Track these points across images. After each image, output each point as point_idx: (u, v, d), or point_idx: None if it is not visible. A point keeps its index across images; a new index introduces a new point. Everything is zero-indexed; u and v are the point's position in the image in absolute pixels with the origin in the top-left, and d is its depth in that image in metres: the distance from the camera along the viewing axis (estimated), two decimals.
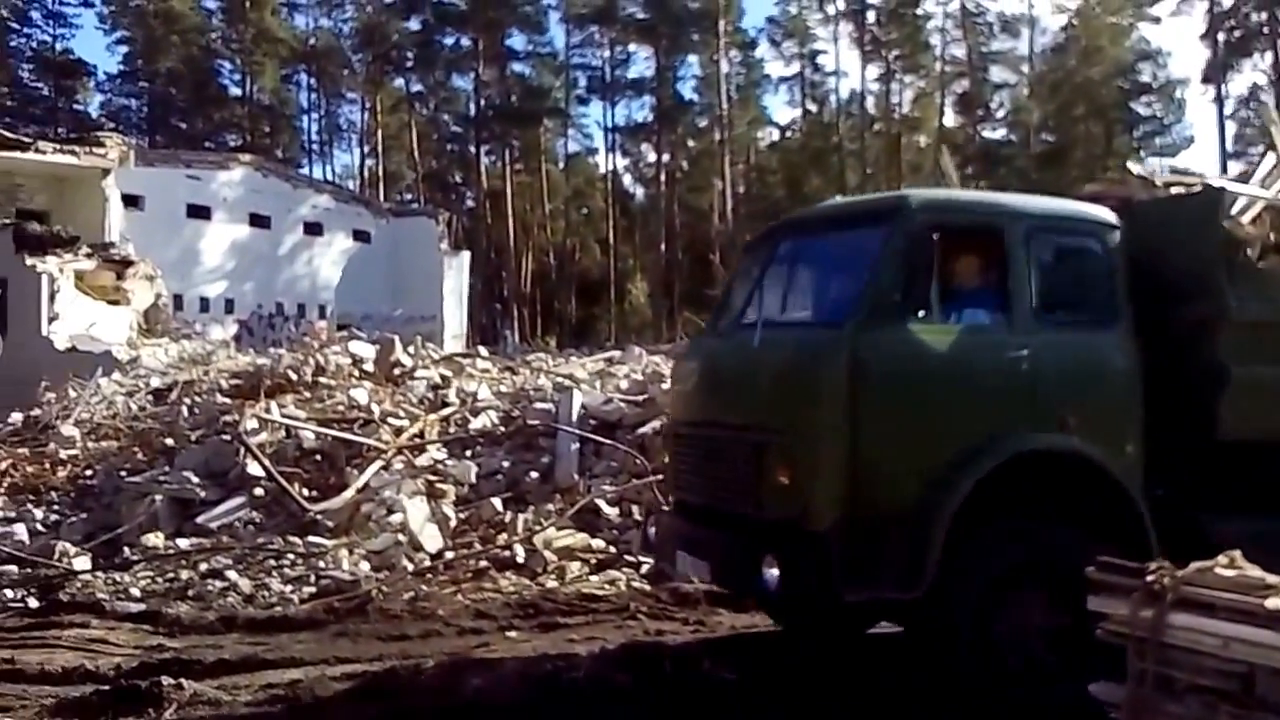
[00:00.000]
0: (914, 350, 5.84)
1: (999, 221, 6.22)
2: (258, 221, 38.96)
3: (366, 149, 65.39)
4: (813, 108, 67.79)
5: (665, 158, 63.93)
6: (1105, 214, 6.52)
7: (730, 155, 60.45)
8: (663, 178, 63.20)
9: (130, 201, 31.12)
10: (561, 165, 67.63)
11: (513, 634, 7.62)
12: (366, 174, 63.78)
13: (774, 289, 6.62)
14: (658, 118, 63.76)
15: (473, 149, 63.78)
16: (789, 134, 69.27)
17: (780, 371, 6.04)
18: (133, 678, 6.85)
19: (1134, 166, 8.05)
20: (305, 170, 57.88)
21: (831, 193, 35.91)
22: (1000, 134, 65.35)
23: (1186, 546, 5.61)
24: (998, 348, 5.99)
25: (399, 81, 65.20)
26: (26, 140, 28.11)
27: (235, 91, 62.80)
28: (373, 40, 62.05)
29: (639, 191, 69.94)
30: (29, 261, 24.01)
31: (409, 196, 62.09)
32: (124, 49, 62.36)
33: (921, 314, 5.95)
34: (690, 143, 65.97)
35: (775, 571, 5.67)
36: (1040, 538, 5.84)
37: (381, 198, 54.51)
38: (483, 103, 63.22)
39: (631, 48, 65.04)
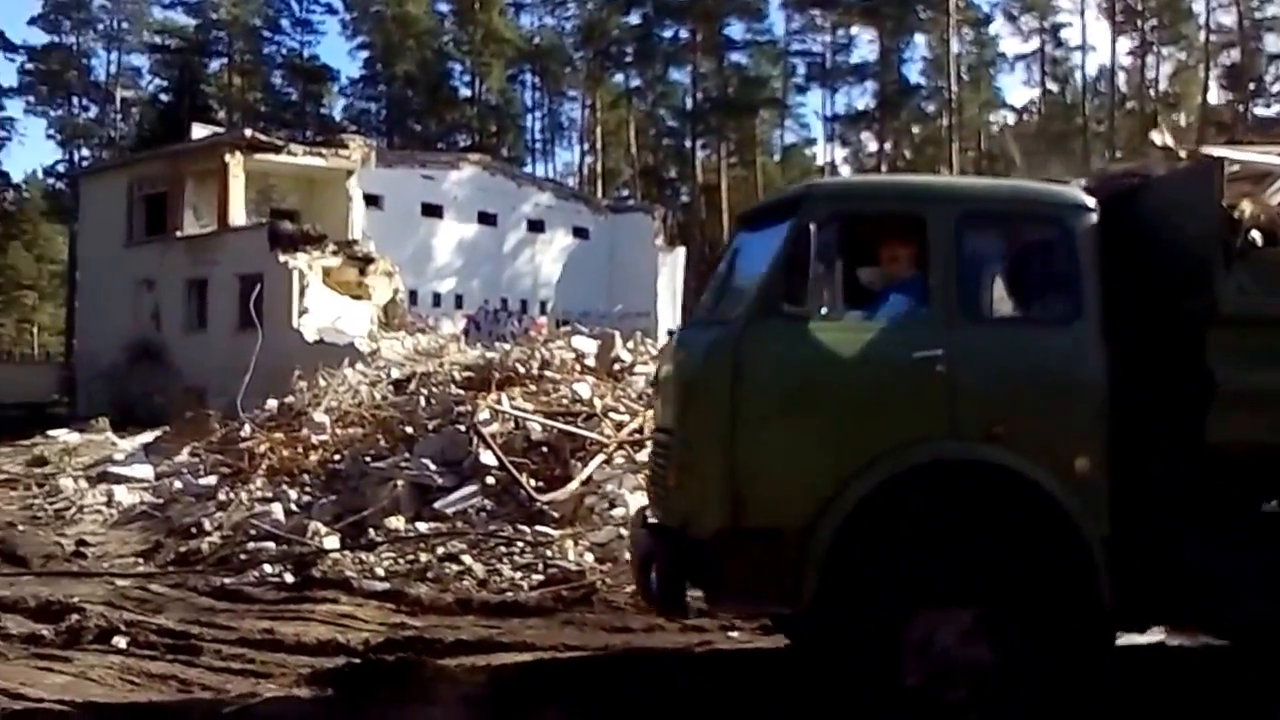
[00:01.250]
0: (803, 351, 5.27)
1: (920, 209, 5.53)
2: (485, 219, 40.44)
3: (586, 146, 66.93)
4: (1053, 87, 64.51)
5: (887, 146, 62.38)
6: (1070, 197, 5.66)
7: (959, 141, 58.23)
8: (884, 167, 61.74)
9: (371, 201, 32.93)
10: (777, 157, 67.16)
11: (734, 634, 7.64)
12: (586, 171, 65.26)
13: (714, 285, 6.25)
14: (880, 104, 62.28)
15: (688, 143, 64.24)
16: (1025, 116, 66.11)
17: (678, 373, 5.72)
18: (380, 652, 7.34)
19: (1156, 136, 6.68)
20: (529, 168, 59.90)
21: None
22: (1276, 110, 58.71)
23: (1165, 577, 5.26)
24: (906, 348, 5.25)
25: (618, 77, 66.38)
26: (279, 143, 30.13)
27: (465, 93, 65.61)
28: (593, 36, 63.37)
29: None
30: (281, 258, 25.76)
31: (626, 193, 63.14)
32: (364, 54, 66.11)
33: (823, 311, 5.35)
34: (915, 129, 64.08)
35: (655, 577, 5.47)
36: (955, 559, 5.13)
37: (600, 194, 55.64)
38: (699, 95, 63.55)
39: (854, 31, 63.71)
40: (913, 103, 63.12)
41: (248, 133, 30.15)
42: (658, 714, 6.02)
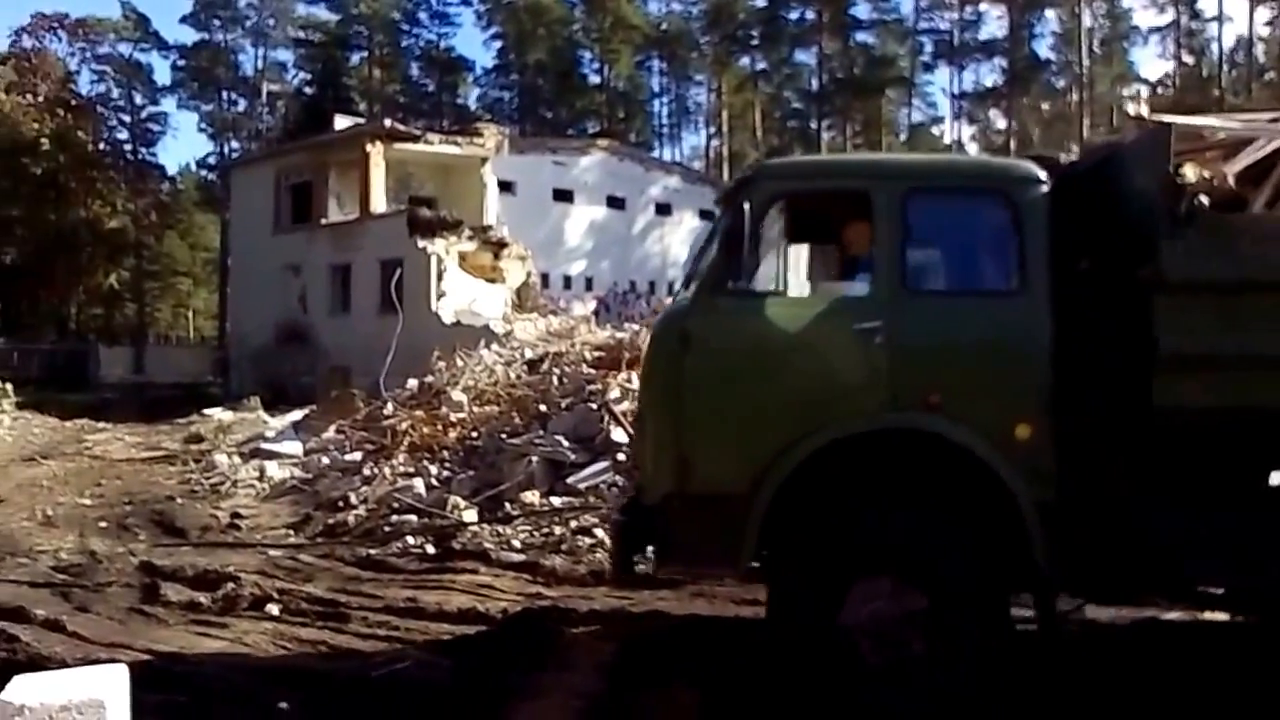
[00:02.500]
0: (748, 325, 5.48)
1: (865, 185, 5.65)
2: (614, 203, 40.76)
3: (712, 130, 66.77)
4: (1189, 60, 61.73)
5: (1015, 124, 60.52)
6: (1016, 170, 5.69)
7: (1090, 117, 56.27)
8: (1012, 145, 59.85)
9: (504, 187, 33.45)
10: (904, 137, 65.77)
11: None
12: (712, 154, 65.10)
13: (690, 262, 6.35)
14: (1009, 81, 60.45)
15: (814, 125, 63.45)
16: (1160, 90, 63.42)
17: (645, 349, 5.92)
18: (517, 621, 7.55)
19: (1131, 107, 6.61)
20: (656, 153, 60.06)
21: None
22: None
23: (1114, 542, 5.28)
24: (846, 321, 5.41)
25: (744, 60, 65.96)
26: (417, 133, 30.85)
27: (594, 79, 66.12)
28: (720, 20, 63.08)
29: None
30: (420, 244, 26.42)
31: None
32: (497, 44, 67.18)
33: (770, 287, 5.65)
34: (1044, 106, 62.06)
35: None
36: (895, 526, 5.30)
37: (726, 177, 55.44)
38: (825, 77, 62.70)
39: (982, 8, 62.29)
40: (1042, 79, 61.19)
41: (387, 123, 30.99)
42: (783, 687, 6.05)
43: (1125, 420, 5.30)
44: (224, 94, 61.22)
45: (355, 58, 64.89)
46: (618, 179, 40.84)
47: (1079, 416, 5.34)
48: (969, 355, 5.39)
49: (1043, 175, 5.54)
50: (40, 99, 42.55)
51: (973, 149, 64.80)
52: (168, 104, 60.51)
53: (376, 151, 28.73)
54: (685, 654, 6.78)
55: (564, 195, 39.13)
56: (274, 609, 8.10)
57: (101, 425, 24.98)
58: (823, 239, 5.98)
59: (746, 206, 5.51)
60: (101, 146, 46.97)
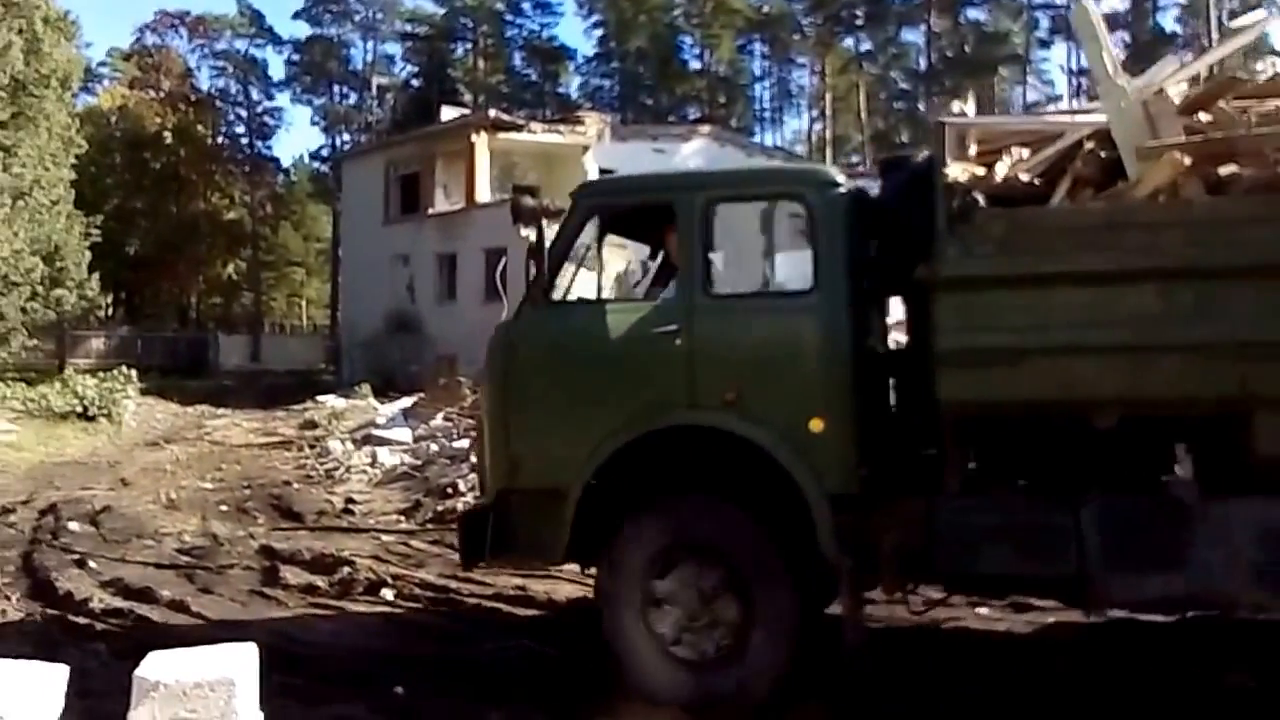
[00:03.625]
0: (563, 332, 5.94)
1: (669, 197, 5.97)
2: None
3: (815, 113, 65.80)
4: None
5: None
6: (813, 176, 6.01)
7: None
8: None
9: (606, 174, 33.61)
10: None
11: (982, 611, 7.38)
12: (815, 138, 64.21)
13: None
14: (1132, 55, 58.11)
15: (922, 106, 62.11)
16: None
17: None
18: None
19: (957, 104, 6.83)
20: (758, 138, 59.50)
21: None
22: None
23: (910, 531, 5.41)
24: (651, 325, 5.72)
25: (848, 41, 64.82)
26: (521, 122, 31.17)
27: (695, 65, 65.84)
28: (824, 2, 62.16)
29: None
30: (523, 232, 26.61)
31: (856, 159, 61.76)
32: (598, 32, 67.35)
33: (588, 296, 6.05)
34: None
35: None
36: (697, 518, 5.65)
37: (830, 161, 54.71)
38: (933, 55, 61.28)
39: None
40: (1167, 53, 58.42)
41: (492, 113, 31.35)
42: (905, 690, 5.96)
43: (917, 415, 5.47)
44: (335, 87, 62.67)
45: (460, 49, 65.74)
46: (720, 164, 40.52)
47: (877, 412, 5.57)
48: (764, 354, 5.59)
49: (840, 179, 5.77)
50: (162, 94, 44.16)
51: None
52: (282, 98, 62.22)
53: (481, 142, 29.11)
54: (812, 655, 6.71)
55: None
56: (388, 594, 8.30)
57: (220, 411, 25.89)
58: (646, 249, 6.43)
59: (569, 222, 6.05)
60: (220, 140, 48.60)
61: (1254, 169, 5.21)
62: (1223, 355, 4.92)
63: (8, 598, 8.13)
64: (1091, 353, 5.08)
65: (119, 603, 8.03)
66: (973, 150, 5.83)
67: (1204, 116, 5.63)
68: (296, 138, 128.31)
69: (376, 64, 63.84)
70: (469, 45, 65.42)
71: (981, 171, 5.57)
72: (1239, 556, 4.95)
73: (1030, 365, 5.13)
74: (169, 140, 43.42)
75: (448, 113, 34.58)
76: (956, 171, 5.44)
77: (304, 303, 58.95)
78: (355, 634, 7.32)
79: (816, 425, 5.45)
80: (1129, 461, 5.33)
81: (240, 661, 3.41)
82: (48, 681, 3.24)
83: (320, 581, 8.67)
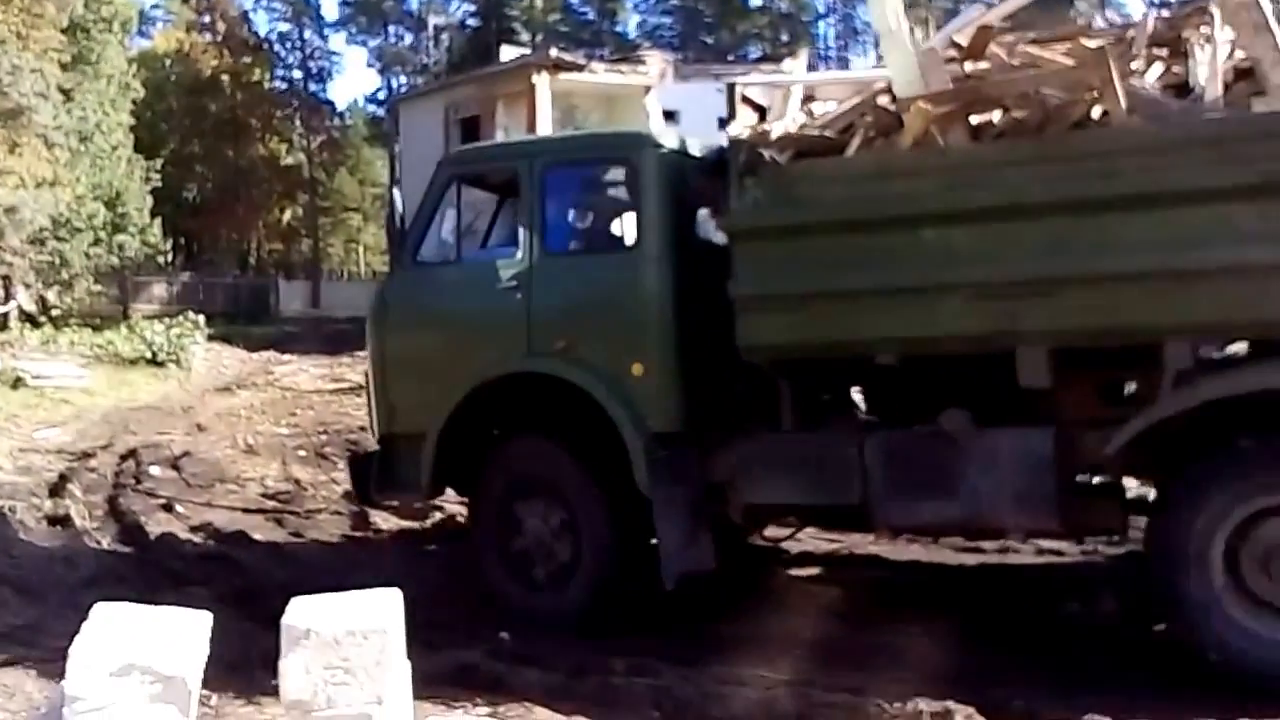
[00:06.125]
0: (420, 289, 6.60)
1: (513, 163, 6.60)
2: None
3: (880, 50, 64.45)
4: None
5: None
6: (637, 139, 6.39)
7: None
8: None
9: (668, 116, 32.98)
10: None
11: None
12: None
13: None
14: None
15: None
16: None
17: None
18: (725, 563, 7.30)
19: (788, 62, 7.35)
20: None
21: None
22: None
23: (719, 467, 5.99)
24: (495, 281, 6.26)
25: None
26: (582, 63, 30.64)
27: (756, 1, 64.52)
28: None
29: None
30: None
31: None
32: None
33: (449, 256, 6.76)
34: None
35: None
36: (531, 457, 6.30)
37: None
38: None
39: None
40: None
41: (553, 53, 30.81)
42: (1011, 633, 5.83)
43: (725, 358, 5.80)
44: (390, 28, 62.24)
45: None
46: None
47: (702, 356, 5.92)
48: (592, 305, 6.13)
49: (663, 140, 6.20)
50: (218, 37, 43.98)
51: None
52: (336, 40, 61.76)
53: (542, 82, 28.61)
54: (915, 599, 6.48)
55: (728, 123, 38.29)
56: None
57: (286, 357, 25.90)
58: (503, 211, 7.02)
59: (437, 186, 6.64)
60: (277, 84, 48.43)
61: (1025, 113, 5.39)
62: (985, 294, 5.22)
63: (99, 542, 8.00)
64: (870, 295, 5.46)
65: (212, 546, 7.91)
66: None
67: (983, 65, 5.82)
68: (352, 81, 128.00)
69: (432, 3, 63.34)
70: None
71: (768, 127, 5.94)
72: (1004, 483, 5.28)
73: (816, 309, 5.57)
74: (225, 84, 43.33)
75: (507, 53, 34.06)
76: (741, 128, 5.87)
77: (361, 248, 59.11)
78: (457, 579, 7.14)
79: (637, 369, 5.95)
80: (911, 397, 5.77)
81: (389, 608, 3.25)
82: (193, 627, 3.12)
83: (413, 525, 8.49)
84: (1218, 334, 5.15)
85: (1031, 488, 5.25)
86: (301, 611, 3.14)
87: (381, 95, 58.53)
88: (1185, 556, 4.90)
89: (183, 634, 3.06)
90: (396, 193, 6.84)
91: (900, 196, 5.41)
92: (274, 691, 4.52)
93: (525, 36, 49.98)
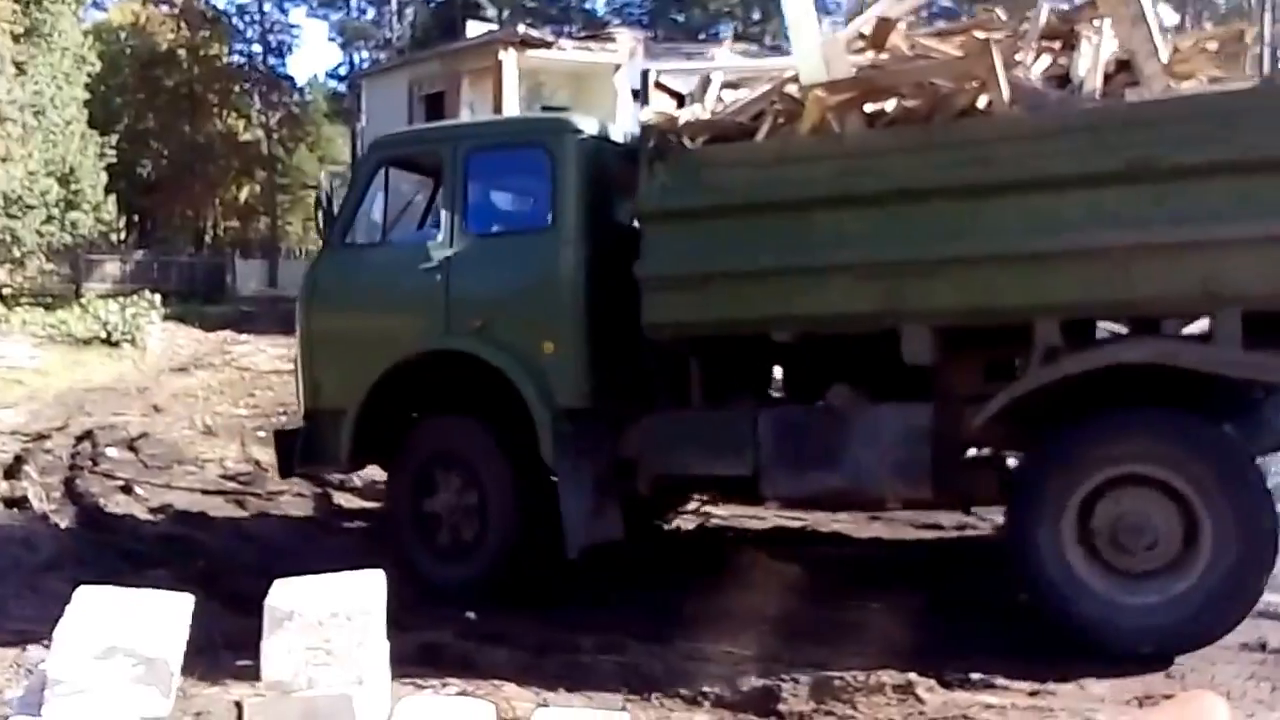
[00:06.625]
0: (347, 270, 6.82)
1: (437, 148, 6.81)
2: None
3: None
4: None
5: None
6: (555, 124, 6.63)
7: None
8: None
9: (637, 95, 32.78)
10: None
11: None
12: None
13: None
14: None
15: (964, 19, 60.49)
16: None
17: None
18: (693, 540, 7.43)
19: (716, 50, 7.11)
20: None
21: None
22: None
23: (628, 441, 6.22)
24: (416, 262, 6.45)
25: None
26: (550, 40, 30.35)
27: None
28: None
29: None
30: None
31: None
32: None
33: (376, 238, 6.95)
34: None
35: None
36: (446, 431, 6.54)
37: None
38: None
39: None
40: None
41: (520, 30, 30.50)
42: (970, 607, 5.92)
43: (638, 338, 6.00)
44: (352, 2, 61.23)
45: None
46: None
47: (605, 335, 6.13)
48: (509, 286, 6.31)
49: (581, 126, 6.37)
50: (175, 8, 43.11)
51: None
52: (297, 13, 60.77)
53: (510, 59, 28.32)
54: (872, 576, 6.55)
55: None
56: None
57: (243, 337, 25.57)
58: (399, 196, 7.25)
59: (365, 171, 6.89)
60: (235, 58, 47.63)
61: (915, 102, 5.61)
62: (873, 275, 5.44)
63: (57, 525, 7.89)
64: (767, 276, 5.65)
65: (173, 528, 7.84)
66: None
67: (884, 56, 6.03)
68: (312, 56, 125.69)
69: None
70: None
71: (678, 114, 6.22)
72: (884, 455, 5.55)
73: (717, 289, 5.77)
74: (182, 58, 42.54)
75: (474, 29, 33.70)
76: (652, 115, 6.16)
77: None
78: None
79: (548, 347, 6.16)
80: (809, 373, 6.04)
81: (371, 589, 3.19)
82: (173, 610, 3.10)
83: (376, 507, 8.44)
84: (1083, 314, 5.33)
85: (909, 459, 5.51)
86: (285, 593, 3.14)
87: (343, 71, 57.80)
88: (1040, 525, 5.13)
89: (164, 617, 3.05)
90: (324, 176, 7.04)
91: (796, 181, 5.63)
92: (240, 673, 4.55)
93: (492, 13, 49.48)
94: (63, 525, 7.95)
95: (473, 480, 6.37)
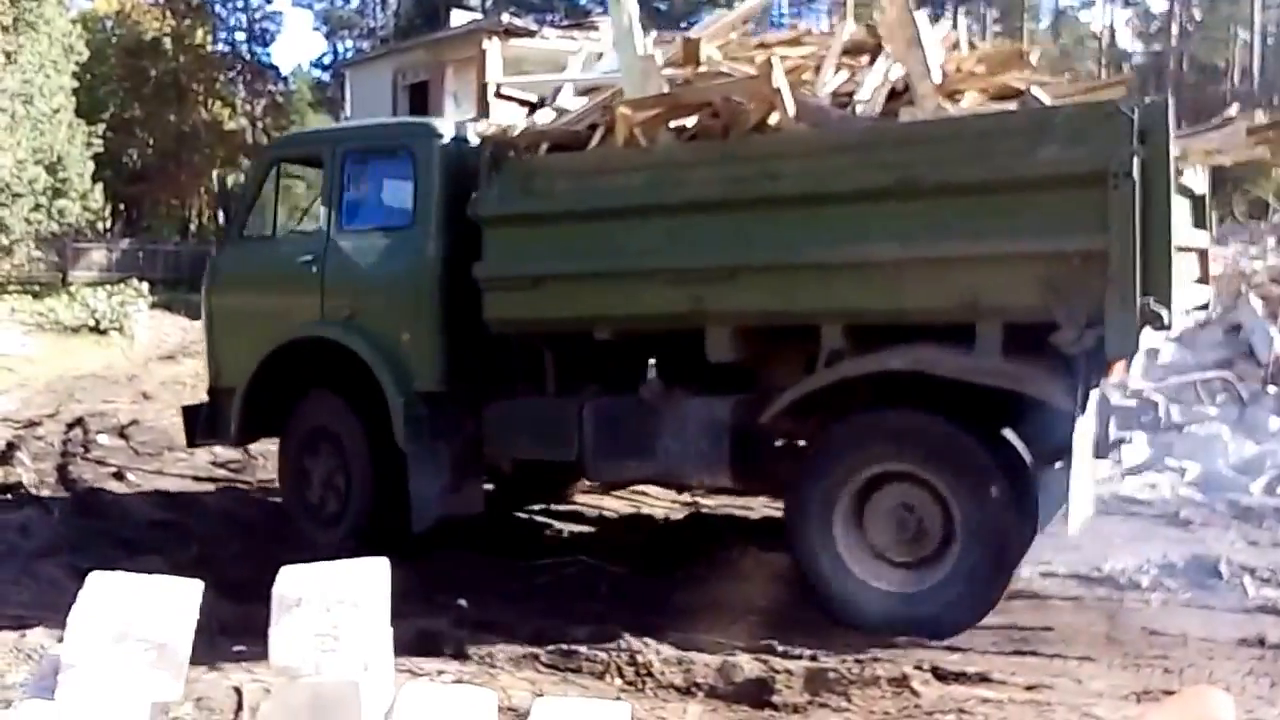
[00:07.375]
0: (242, 260, 7.50)
1: (318, 149, 7.40)
2: None
3: (835, 18, 63.98)
4: None
5: (1176, 7, 55.99)
6: (420, 128, 7.02)
7: None
8: (1173, 30, 55.30)
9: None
10: (1046, 23, 62.09)
11: None
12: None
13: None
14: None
15: (946, 9, 60.55)
16: None
17: None
18: (682, 530, 7.49)
19: (572, 58, 8.21)
20: None
21: None
22: None
23: (475, 425, 6.63)
24: (297, 254, 7.05)
25: None
26: (534, 28, 30.32)
27: None
28: None
29: (1137, 49, 61.86)
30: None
31: None
32: None
33: (266, 232, 7.50)
34: None
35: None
36: (323, 410, 7.09)
37: None
38: None
39: None
40: None
41: (504, 18, 30.48)
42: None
43: (478, 329, 6.45)
44: None
45: None
46: None
47: (460, 325, 6.53)
48: (374, 277, 6.79)
49: (443, 131, 6.74)
50: None
51: (1125, 36, 60.35)
52: (281, 3, 60.48)
53: (494, 48, 28.20)
54: None
55: None
56: None
57: None
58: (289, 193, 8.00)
59: (258, 168, 7.56)
60: (220, 47, 47.34)
61: (715, 118, 5.91)
62: (678, 280, 5.84)
63: (51, 511, 7.92)
64: (588, 279, 6.11)
65: (165, 515, 7.88)
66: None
67: (700, 70, 6.27)
68: (297, 44, 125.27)
69: None
70: None
71: (513, 124, 6.59)
72: (689, 444, 5.98)
73: (546, 289, 6.20)
74: (167, 46, 42.25)
75: (457, 18, 33.56)
76: (485, 127, 6.58)
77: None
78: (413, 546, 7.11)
79: (405, 336, 6.64)
80: (625, 367, 6.31)
81: (377, 576, 3.29)
82: (184, 596, 3.14)
83: None
84: (860, 320, 5.60)
85: (710, 448, 5.94)
86: (292, 580, 3.16)
87: (327, 60, 57.56)
88: (812, 512, 5.57)
89: (175, 602, 3.09)
90: (230, 176, 7.52)
91: (613, 191, 6.03)
92: (236, 658, 4.61)
93: (475, 1, 49.23)
94: (56, 512, 7.96)
95: (341, 456, 6.97)
